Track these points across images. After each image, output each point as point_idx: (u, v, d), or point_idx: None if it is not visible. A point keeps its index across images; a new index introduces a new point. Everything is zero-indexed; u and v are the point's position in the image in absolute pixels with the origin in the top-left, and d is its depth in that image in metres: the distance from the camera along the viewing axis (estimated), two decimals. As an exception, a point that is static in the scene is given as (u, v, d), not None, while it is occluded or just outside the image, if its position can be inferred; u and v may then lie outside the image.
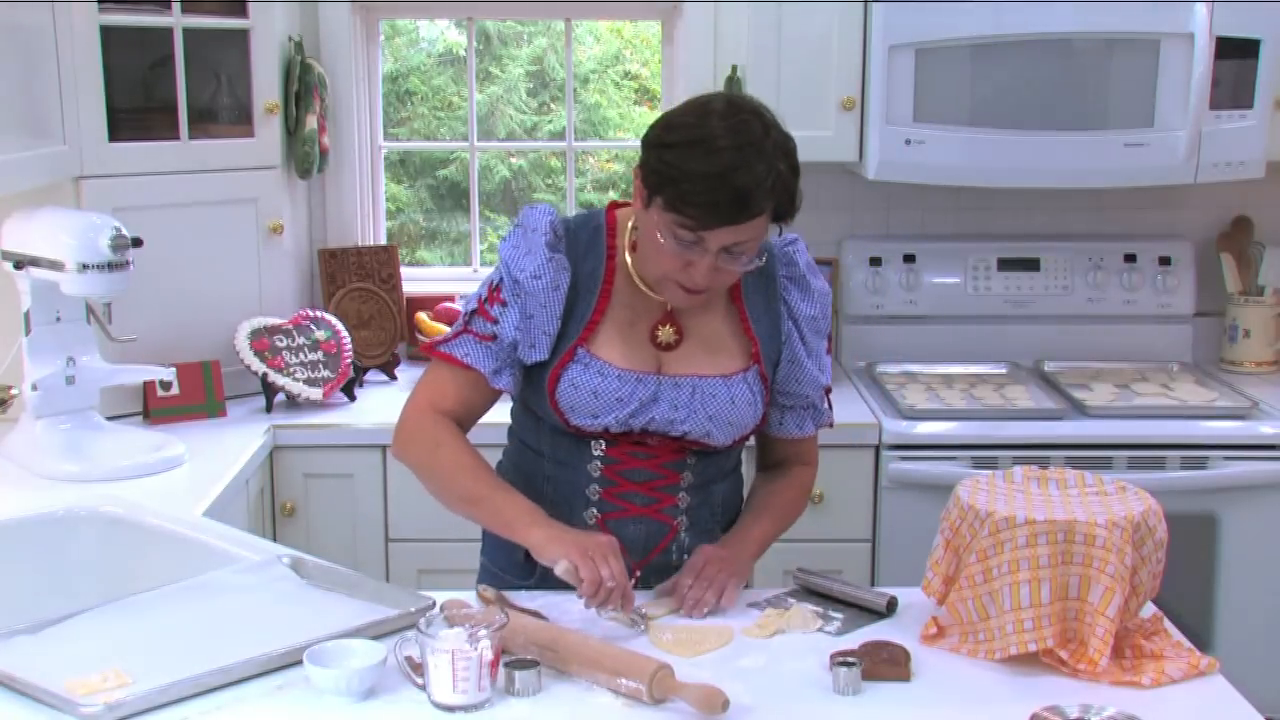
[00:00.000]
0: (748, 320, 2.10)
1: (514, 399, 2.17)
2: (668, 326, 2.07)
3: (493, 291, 2.07)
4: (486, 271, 3.87)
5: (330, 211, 3.65)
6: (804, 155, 1.98)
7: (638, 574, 2.08)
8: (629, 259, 2.06)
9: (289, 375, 3.17)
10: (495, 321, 2.05)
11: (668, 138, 1.94)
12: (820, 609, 2.01)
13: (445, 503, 2.11)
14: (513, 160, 6.09)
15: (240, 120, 3.26)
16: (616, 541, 1.95)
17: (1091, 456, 3.04)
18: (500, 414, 2.21)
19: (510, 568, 2.16)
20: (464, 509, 2.09)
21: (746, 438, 2.16)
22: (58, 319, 2.75)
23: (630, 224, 2.07)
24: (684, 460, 2.10)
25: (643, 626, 1.93)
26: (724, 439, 2.09)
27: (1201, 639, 3.06)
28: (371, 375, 3.47)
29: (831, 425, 2.24)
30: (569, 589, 2.03)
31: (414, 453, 2.11)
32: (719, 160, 1.87)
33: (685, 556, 2.11)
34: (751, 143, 1.89)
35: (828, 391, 2.20)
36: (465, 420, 2.12)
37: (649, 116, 5.91)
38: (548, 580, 2.11)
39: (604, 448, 2.08)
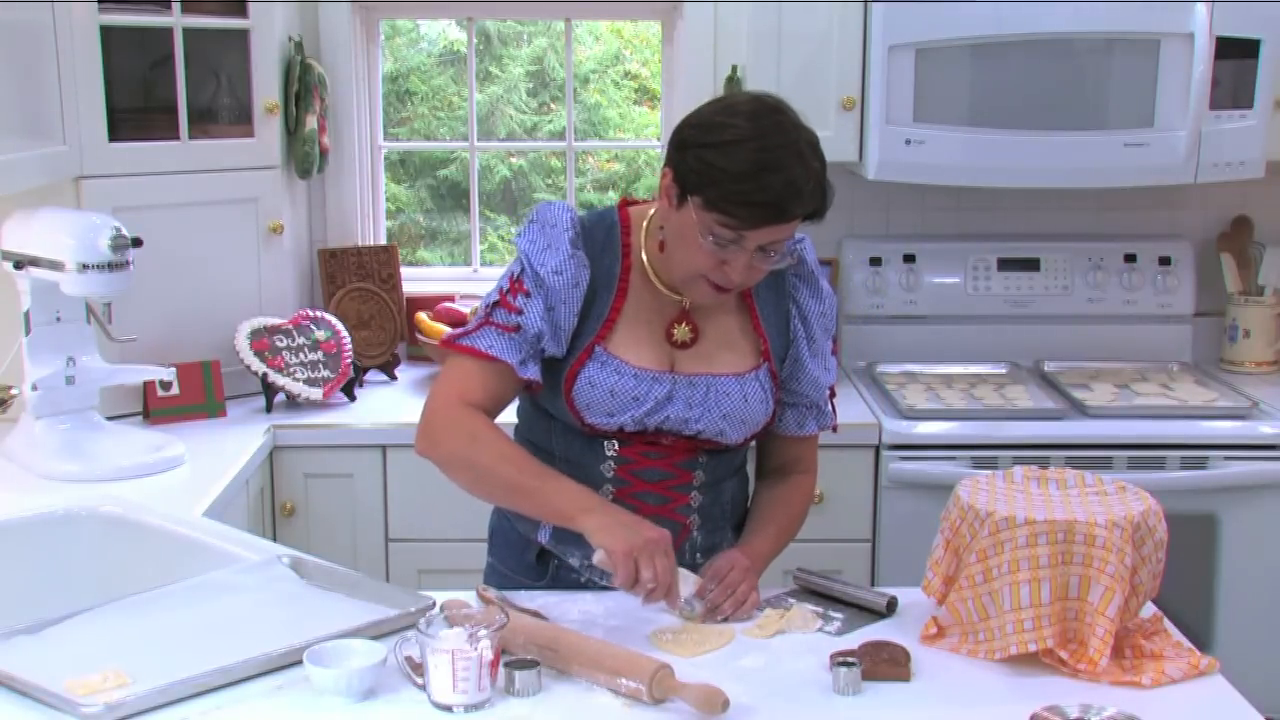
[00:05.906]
0: (758, 318, 2.10)
1: (527, 396, 2.14)
2: (683, 325, 2.06)
3: (515, 282, 2.03)
4: (487, 271, 3.89)
5: (330, 211, 3.65)
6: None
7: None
8: (645, 258, 2.06)
9: (289, 375, 3.17)
10: (520, 312, 2.01)
11: (705, 138, 1.92)
12: (820, 609, 2.01)
13: (486, 495, 2.06)
14: (513, 160, 6.09)
15: (240, 120, 3.26)
16: (668, 536, 1.91)
17: (1091, 456, 3.04)
18: (506, 415, 2.16)
19: (521, 569, 2.15)
20: (510, 500, 2.05)
21: (757, 435, 2.16)
22: (58, 319, 2.75)
23: (645, 223, 2.06)
24: (696, 459, 2.10)
25: (693, 610, 1.94)
26: (737, 437, 2.09)
27: (1201, 639, 3.06)
28: (371, 375, 3.47)
29: (835, 429, 2.23)
30: (579, 588, 2.06)
31: (447, 447, 2.01)
32: (761, 160, 1.87)
33: (699, 555, 2.11)
34: (788, 143, 1.90)
35: (832, 394, 2.19)
36: (493, 413, 2.06)
37: (649, 116, 5.92)
38: (559, 581, 2.12)
39: (617, 448, 2.07)
